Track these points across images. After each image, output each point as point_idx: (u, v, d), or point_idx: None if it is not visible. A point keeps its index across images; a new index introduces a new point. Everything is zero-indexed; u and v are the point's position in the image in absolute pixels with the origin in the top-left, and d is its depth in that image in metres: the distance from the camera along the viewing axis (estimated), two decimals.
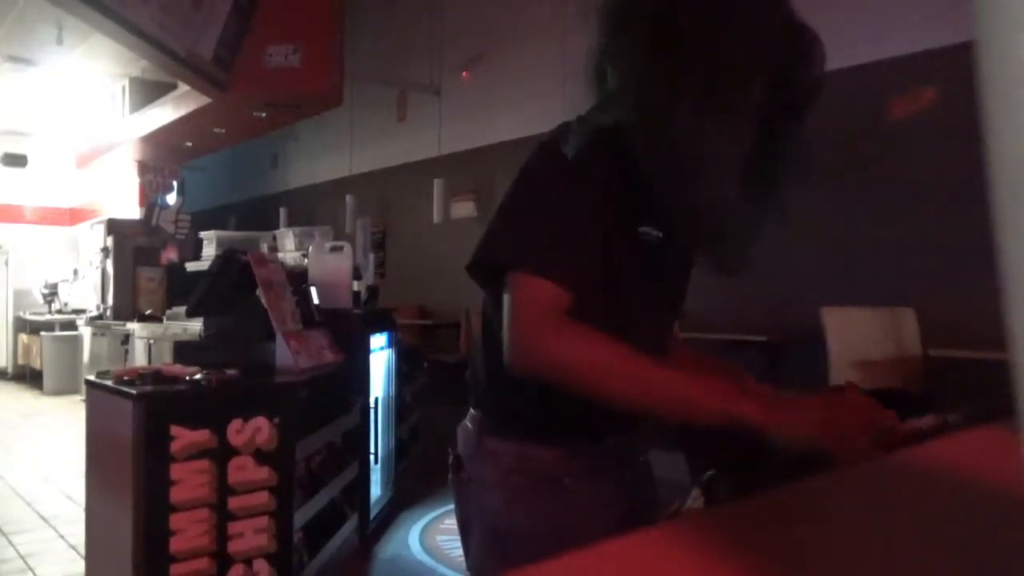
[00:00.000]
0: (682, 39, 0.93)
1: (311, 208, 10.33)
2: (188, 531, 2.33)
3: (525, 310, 0.96)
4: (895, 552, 0.45)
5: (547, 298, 0.95)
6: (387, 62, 8.47)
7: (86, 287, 9.50)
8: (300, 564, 2.71)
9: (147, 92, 8.30)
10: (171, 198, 9.27)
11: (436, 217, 7.80)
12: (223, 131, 7.97)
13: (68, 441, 5.97)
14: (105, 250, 8.47)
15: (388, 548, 3.64)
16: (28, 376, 9.97)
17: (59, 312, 10.05)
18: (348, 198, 8.65)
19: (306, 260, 4.43)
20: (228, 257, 3.13)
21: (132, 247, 8.39)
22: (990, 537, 0.47)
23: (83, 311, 9.11)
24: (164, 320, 6.98)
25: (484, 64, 7.69)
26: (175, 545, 2.31)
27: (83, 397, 3.52)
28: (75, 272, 10.24)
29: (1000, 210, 0.24)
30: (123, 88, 8.65)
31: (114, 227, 8.52)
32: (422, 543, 3.68)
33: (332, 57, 6.28)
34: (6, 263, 10.88)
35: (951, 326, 3.97)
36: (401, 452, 4.41)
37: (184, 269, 7.40)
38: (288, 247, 6.22)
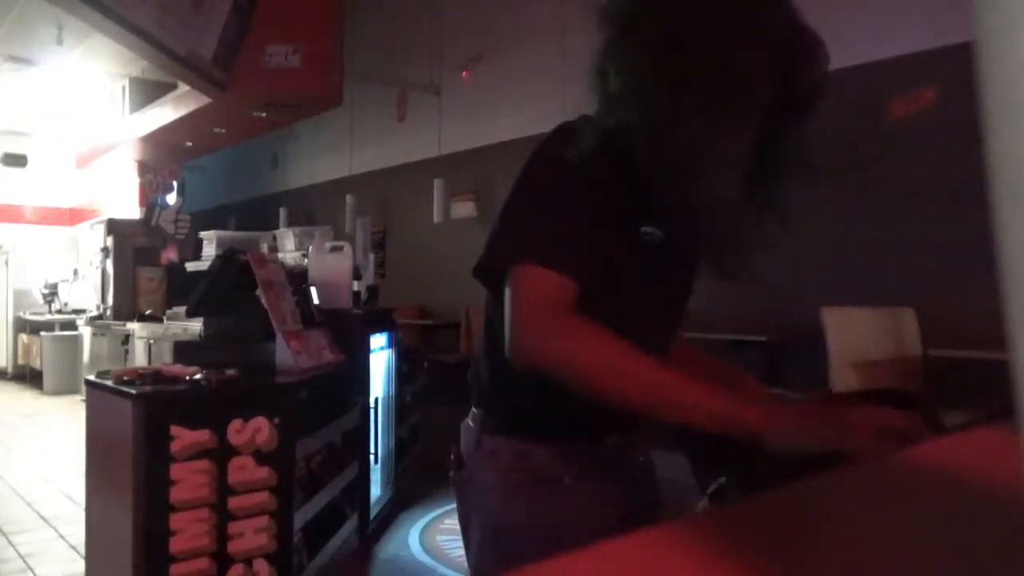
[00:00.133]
0: (685, 42, 0.93)
1: (311, 208, 10.33)
2: (188, 531, 2.33)
3: (525, 300, 0.95)
4: (895, 552, 0.45)
5: (548, 287, 0.95)
6: (387, 62, 8.47)
7: (86, 287, 9.50)
8: (300, 564, 2.71)
9: (147, 92, 8.30)
10: (171, 198, 9.27)
11: (436, 217, 7.80)
12: (223, 131, 7.97)
13: (68, 441, 5.97)
14: (105, 250, 8.47)
15: (388, 548, 3.64)
16: (28, 376, 9.97)
17: (59, 312, 10.05)
18: (348, 198, 8.65)
19: (306, 260, 4.43)
20: (228, 257, 3.13)
21: (132, 247, 8.39)
22: (990, 537, 0.47)
23: (83, 311, 9.11)
24: (164, 320, 6.98)
25: (484, 64, 7.69)
26: (175, 545, 2.31)
27: (83, 397, 3.52)
28: (75, 272, 10.24)
29: (1000, 210, 0.24)
30: (123, 88, 8.65)
31: (114, 227, 8.51)
32: (422, 543, 3.68)
33: (332, 57, 6.28)
34: (6, 263, 10.88)
35: (951, 326, 3.98)
36: (401, 452, 4.41)
37: (184, 269, 7.40)
38: (288, 247, 6.22)
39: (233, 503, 2.40)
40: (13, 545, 3.65)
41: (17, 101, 9.35)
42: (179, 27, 5.50)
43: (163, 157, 9.31)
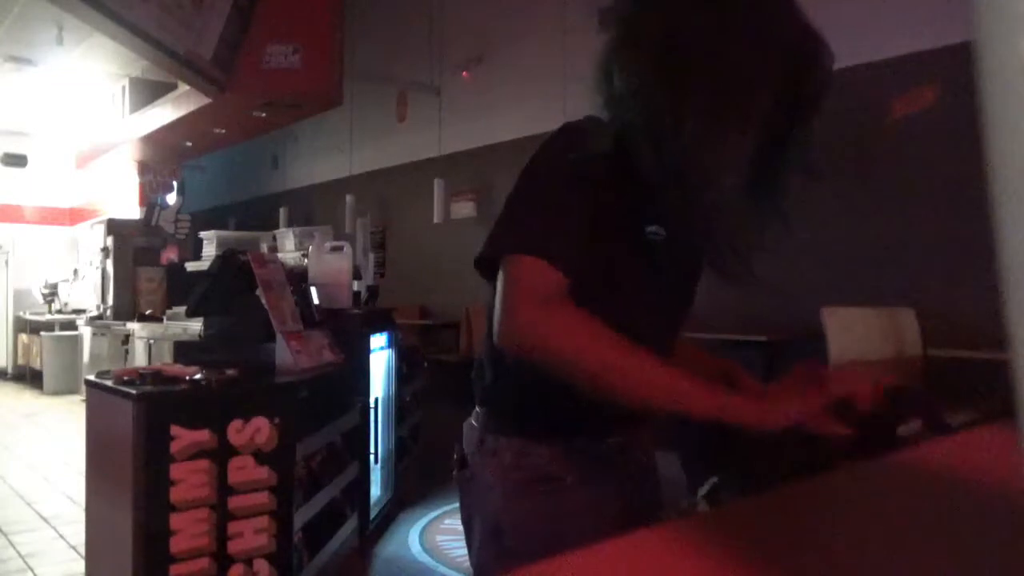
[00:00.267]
0: (689, 44, 0.93)
1: (311, 208, 10.33)
2: (188, 531, 2.33)
3: (514, 286, 0.96)
4: (896, 552, 0.45)
5: (537, 276, 0.95)
6: (387, 62, 8.47)
7: (86, 287, 9.50)
8: (300, 564, 2.71)
9: (147, 92, 8.30)
10: (171, 198, 9.27)
11: (436, 217, 7.81)
12: (223, 131, 7.97)
13: (68, 441, 5.97)
14: (105, 250, 8.47)
15: (388, 548, 3.64)
16: (28, 376, 9.96)
17: (59, 312, 10.04)
18: (348, 198, 8.65)
19: (306, 260, 4.43)
20: (228, 257, 3.13)
21: (132, 247, 8.39)
22: (990, 537, 0.47)
23: (83, 311, 9.11)
24: (164, 320, 6.97)
25: (484, 64, 7.69)
26: (175, 545, 2.31)
27: (83, 397, 3.52)
28: (75, 272, 10.23)
29: (1000, 210, 0.24)
30: (123, 88, 8.65)
31: (114, 227, 8.51)
32: (422, 543, 3.68)
33: (332, 57, 6.28)
34: (6, 263, 10.88)
35: (951, 326, 3.98)
36: (401, 452, 4.41)
37: (184, 269, 7.40)
38: (288, 247, 6.21)
39: (233, 503, 2.40)
40: (13, 545, 3.66)
41: (17, 101, 9.35)
42: (179, 27, 5.50)
43: (163, 157, 9.31)
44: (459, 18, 7.92)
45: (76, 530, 3.52)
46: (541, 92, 6.78)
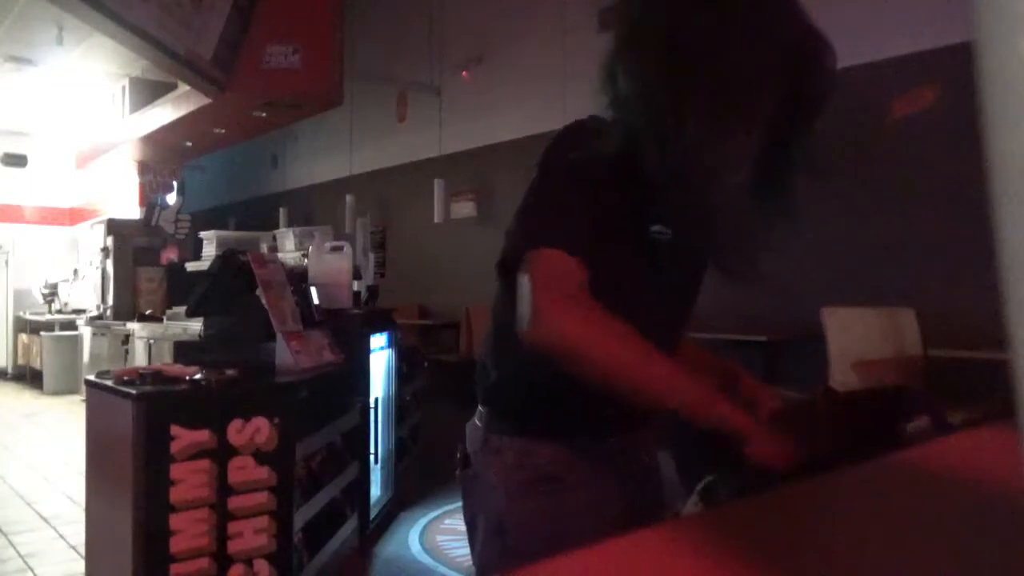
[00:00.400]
0: (692, 45, 0.93)
1: (311, 208, 10.33)
2: (188, 531, 2.33)
3: (539, 280, 0.96)
4: (896, 552, 0.45)
5: (561, 267, 0.96)
6: (387, 62, 8.47)
7: (86, 287, 9.49)
8: (300, 564, 2.71)
9: (147, 92, 8.30)
10: (171, 198, 9.27)
11: (436, 217, 7.81)
12: (223, 131, 7.97)
13: (68, 441, 5.97)
14: (105, 250, 8.47)
15: (388, 548, 3.64)
16: (28, 376, 9.96)
17: (59, 312, 10.04)
18: (348, 198, 8.65)
19: (306, 260, 4.43)
20: (228, 257, 3.13)
21: (132, 247, 8.39)
22: (990, 537, 0.47)
23: (83, 311, 9.11)
24: (164, 320, 6.97)
25: (484, 64, 7.70)
26: (175, 545, 2.31)
27: (83, 397, 3.52)
28: (75, 272, 10.23)
29: (1000, 210, 0.24)
30: (123, 88, 8.65)
31: (114, 227, 8.51)
32: (422, 543, 3.68)
33: (332, 57, 6.28)
34: (6, 263, 10.88)
35: (951, 326, 3.98)
36: (401, 452, 4.41)
37: (184, 269, 7.39)
38: (288, 247, 6.21)
39: (233, 503, 2.40)
40: (13, 545, 3.66)
41: (17, 101, 9.35)
42: (179, 27, 5.50)
43: (163, 157, 9.31)
44: (459, 18, 7.92)
45: (76, 530, 3.52)
46: (541, 92, 6.79)
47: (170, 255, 8.49)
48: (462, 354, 7.11)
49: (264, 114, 7.08)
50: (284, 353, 2.86)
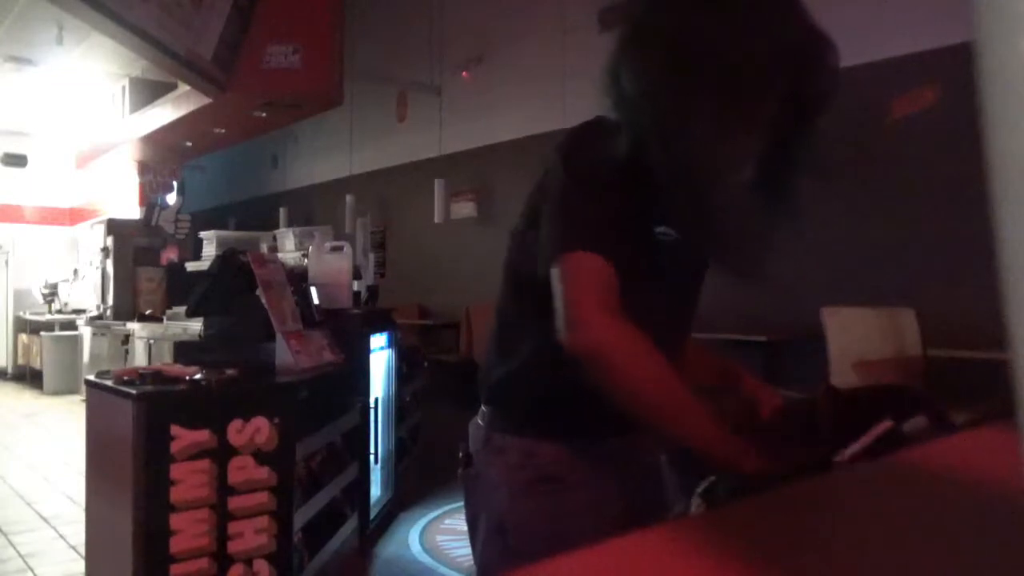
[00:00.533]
0: (696, 46, 0.93)
1: (311, 208, 10.33)
2: (188, 531, 2.33)
3: (574, 282, 0.97)
4: (896, 552, 0.45)
5: (594, 269, 0.97)
6: (387, 62, 8.47)
7: (86, 287, 9.49)
8: (300, 564, 2.71)
9: (147, 92, 8.30)
10: (171, 198, 9.27)
11: (436, 217, 7.81)
12: (223, 131, 7.97)
13: (68, 441, 5.97)
14: (105, 250, 8.47)
15: (388, 548, 3.64)
16: (28, 376, 9.96)
17: (59, 312, 10.04)
18: (348, 198, 8.65)
19: (306, 260, 4.43)
20: (228, 257, 3.13)
21: (132, 247, 8.39)
22: (990, 537, 0.47)
23: (83, 311, 9.11)
24: (164, 320, 6.97)
25: (484, 64, 7.70)
26: (175, 545, 2.31)
27: (83, 397, 3.52)
28: (75, 272, 10.23)
29: (1000, 210, 0.24)
30: (123, 88, 8.65)
31: (114, 227, 8.51)
32: (422, 543, 3.68)
33: (332, 57, 6.28)
34: (6, 263, 10.87)
35: (951, 326, 3.98)
36: (401, 452, 4.41)
37: (184, 269, 7.40)
38: (288, 247, 6.21)
39: (233, 503, 2.40)
40: (13, 545, 3.66)
41: (17, 101, 9.35)
42: (179, 27, 5.50)
43: (163, 157, 9.31)
44: (459, 18, 7.92)
45: (76, 530, 3.52)
46: (541, 92, 6.79)
47: (170, 255, 8.49)
48: (462, 354, 7.11)
49: (264, 114, 7.09)
50: (284, 353, 2.86)
